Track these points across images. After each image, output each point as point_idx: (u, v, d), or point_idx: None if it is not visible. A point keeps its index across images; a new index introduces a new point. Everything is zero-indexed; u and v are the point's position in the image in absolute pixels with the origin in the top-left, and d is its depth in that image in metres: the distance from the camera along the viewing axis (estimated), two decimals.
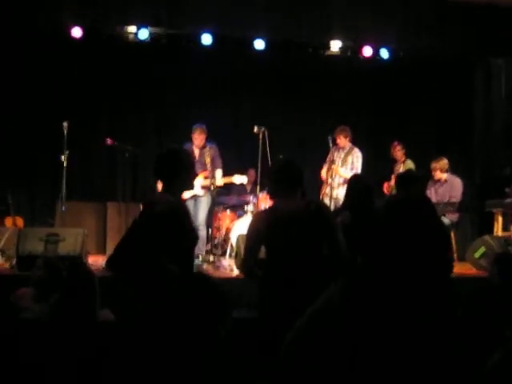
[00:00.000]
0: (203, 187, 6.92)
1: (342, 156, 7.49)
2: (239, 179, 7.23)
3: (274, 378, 1.83)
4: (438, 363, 1.74)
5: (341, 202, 6.96)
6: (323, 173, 7.57)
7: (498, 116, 9.70)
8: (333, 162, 7.46)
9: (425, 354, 1.73)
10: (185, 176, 3.48)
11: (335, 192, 7.36)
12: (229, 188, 8.16)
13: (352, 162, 7.41)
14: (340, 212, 4.43)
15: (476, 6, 7.65)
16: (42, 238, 5.71)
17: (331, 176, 7.45)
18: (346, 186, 7.15)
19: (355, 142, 7.59)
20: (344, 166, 7.41)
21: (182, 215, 3.40)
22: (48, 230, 6.16)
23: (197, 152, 6.96)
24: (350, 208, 4.36)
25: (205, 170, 6.94)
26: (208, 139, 7.03)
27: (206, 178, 6.94)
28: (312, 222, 3.40)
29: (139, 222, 3.39)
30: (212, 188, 6.93)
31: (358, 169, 7.36)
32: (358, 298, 1.76)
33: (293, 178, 3.50)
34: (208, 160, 6.94)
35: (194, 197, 6.91)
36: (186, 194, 6.76)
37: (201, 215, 6.93)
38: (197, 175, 6.63)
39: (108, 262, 3.44)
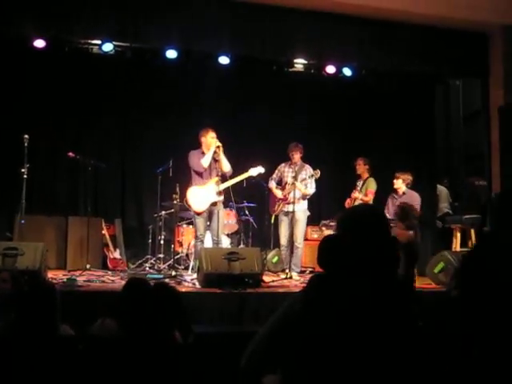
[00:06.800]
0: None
1: (295, 172, 7.55)
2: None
3: None
4: (397, 373, 1.77)
5: (298, 217, 7.45)
6: (279, 192, 7.64)
7: (457, 134, 9.97)
8: (284, 177, 7.65)
9: (385, 362, 1.76)
10: None
11: (292, 207, 7.42)
12: None
13: (306, 178, 7.52)
14: None
15: (435, 27, 7.86)
16: None
17: (289, 192, 7.51)
18: (303, 201, 7.49)
19: (321, 159, 7.60)
20: (303, 183, 7.48)
21: None
22: (6, 243, 6.02)
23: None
24: None
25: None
26: None
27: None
28: None
29: None
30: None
31: (313, 183, 7.56)
32: (319, 306, 1.78)
33: None
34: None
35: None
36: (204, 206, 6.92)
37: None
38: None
39: None
